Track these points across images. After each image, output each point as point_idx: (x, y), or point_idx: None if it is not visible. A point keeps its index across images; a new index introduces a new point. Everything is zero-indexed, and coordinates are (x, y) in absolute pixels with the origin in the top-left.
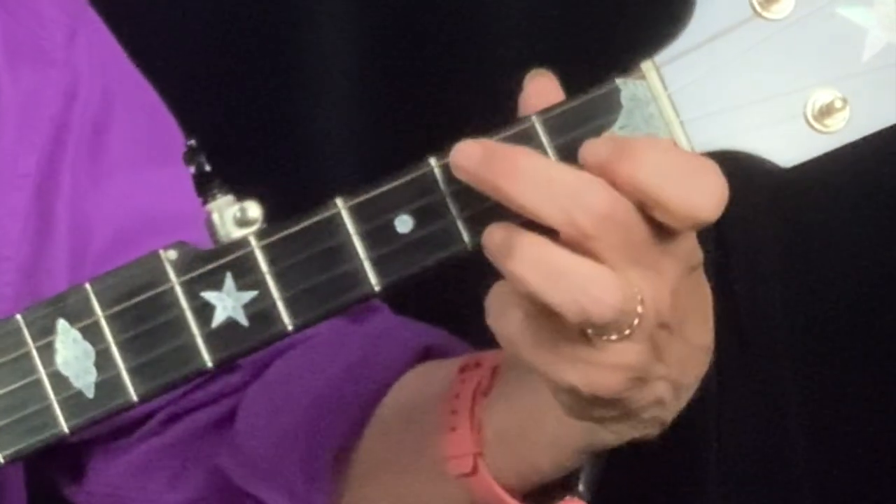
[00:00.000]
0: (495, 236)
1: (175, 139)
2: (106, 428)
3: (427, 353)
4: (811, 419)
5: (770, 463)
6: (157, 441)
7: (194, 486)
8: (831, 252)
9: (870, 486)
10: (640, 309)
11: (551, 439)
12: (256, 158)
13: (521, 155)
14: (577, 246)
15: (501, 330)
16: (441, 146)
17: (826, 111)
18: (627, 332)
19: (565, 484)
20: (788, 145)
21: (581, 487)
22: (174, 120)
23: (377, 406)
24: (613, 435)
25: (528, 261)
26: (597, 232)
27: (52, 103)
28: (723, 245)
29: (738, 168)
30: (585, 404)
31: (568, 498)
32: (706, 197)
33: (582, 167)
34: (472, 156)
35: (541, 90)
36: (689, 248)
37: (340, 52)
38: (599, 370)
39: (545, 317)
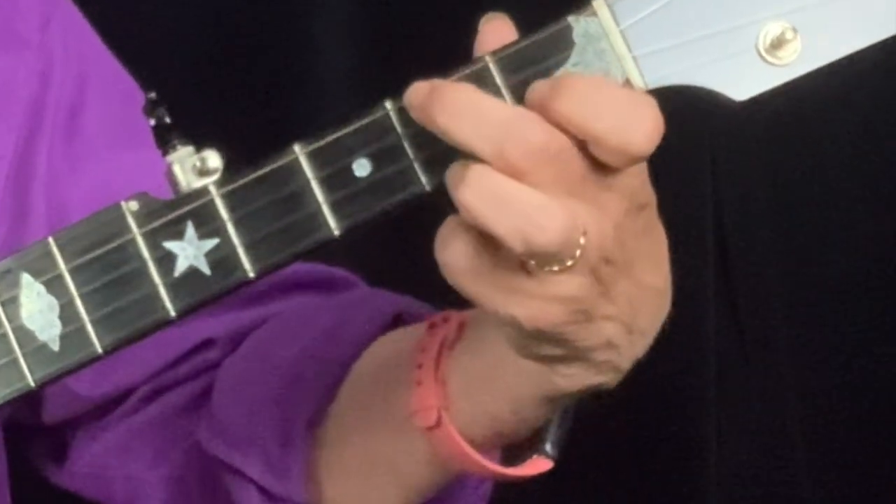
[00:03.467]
0: (452, 168)
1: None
2: (85, 408)
3: (399, 320)
4: (811, 420)
5: (770, 464)
6: (137, 419)
7: (175, 463)
8: (831, 252)
9: (870, 486)
10: (582, 240)
11: (510, 388)
12: (250, 162)
13: (456, 90)
14: (515, 179)
15: (445, 259)
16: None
17: (777, 43)
18: (570, 262)
19: (532, 443)
20: (741, 79)
21: (547, 447)
22: None
23: (351, 369)
24: (568, 379)
25: (475, 188)
26: (529, 165)
27: (26, 85)
28: (723, 245)
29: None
30: (530, 339)
31: (535, 457)
32: (638, 131)
33: None
34: (419, 94)
35: (495, 31)
36: (635, 186)
37: (338, 56)
38: (540, 302)
39: (489, 249)
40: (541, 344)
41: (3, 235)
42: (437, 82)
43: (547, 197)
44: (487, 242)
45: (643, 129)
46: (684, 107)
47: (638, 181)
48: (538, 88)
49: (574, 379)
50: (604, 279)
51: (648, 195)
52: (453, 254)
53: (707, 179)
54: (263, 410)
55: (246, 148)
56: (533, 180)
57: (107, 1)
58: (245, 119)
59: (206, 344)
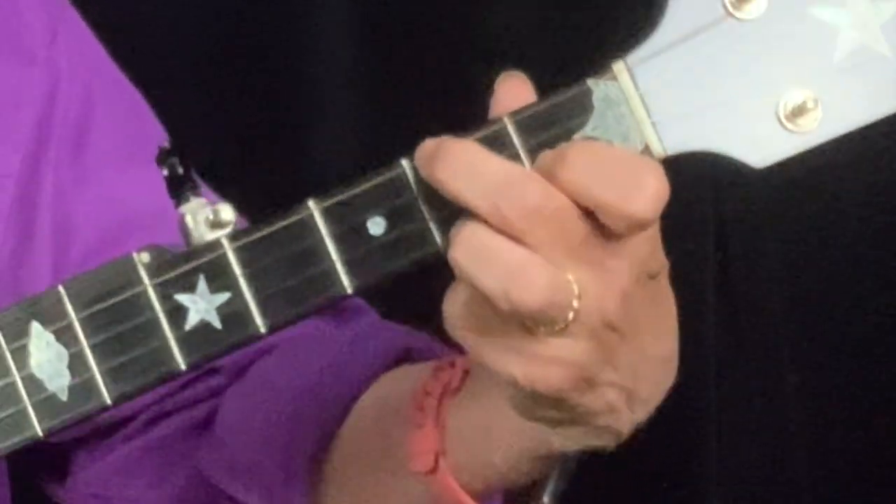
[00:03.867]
0: (455, 225)
1: (156, 137)
2: (89, 429)
3: (407, 356)
4: (811, 419)
5: (770, 464)
6: (140, 442)
7: (175, 487)
8: (831, 252)
9: (870, 486)
10: (575, 304)
11: (508, 441)
12: (250, 162)
13: (459, 146)
14: (512, 238)
15: (446, 311)
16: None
17: (798, 111)
18: (562, 325)
19: (531, 493)
20: (761, 146)
21: (545, 499)
22: (155, 118)
23: (355, 405)
24: (566, 441)
25: (464, 244)
26: (525, 224)
27: (33, 102)
28: (723, 245)
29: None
30: (529, 401)
31: None
32: (641, 198)
33: None
34: (426, 150)
35: (513, 91)
36: (644, 253)
37: (338, 56)
38: (539, 363)
39: (488, 303)
40: (539, 406)
41: (8, 254)
42: (444, 139)
43: (533, 256)
44: (484, 295)
45: (645, 195)
46: (695, 169)
47: (647, 248)
48: (544, 156)
49: (572, 441)
50: (607, 345)
51: (659, 263)
52: (453, 306)
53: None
54: (267, 443)
55: (246, 149)
56: (529, 240)
57: (107, 1)
58: (245, 120)
59: (212, 370)
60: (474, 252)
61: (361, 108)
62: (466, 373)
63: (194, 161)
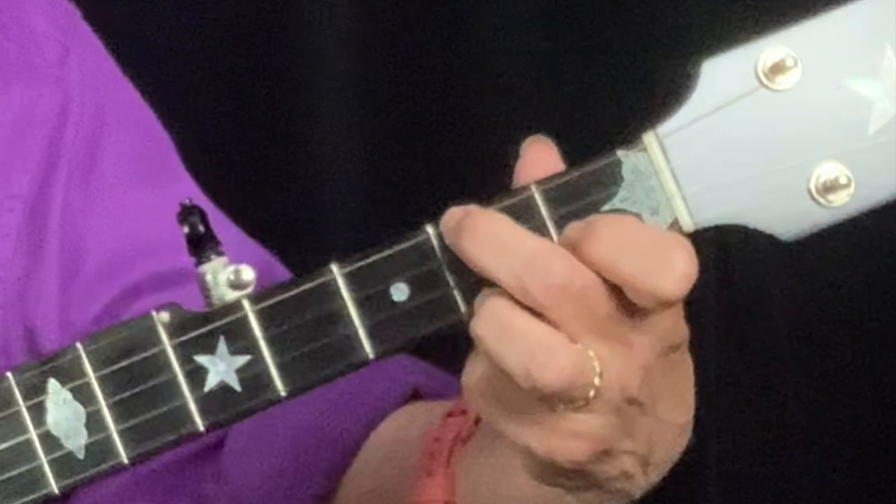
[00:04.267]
0: (478, 297)
1: (169, 156)
2: None
3: (416, 392)
4: (811, 419)
5: (770, 463)
6: (145, 467)
7: None
8: (831, 252)
9: (870, 486)
10: (597, 381)
11: (520, 499)
12: (254, 171)
13: (486, 217)
14: (537, 313)
15: (464, 381)
16: (438, 212)
17: (830, 187)
18: (582, 403)
19: None
20: (791, 219)
21: None
22: (168, 136)
23: (363, 444)
24: (577, 501)
25: (486, 320)
26: (550, 301)
27: (45, 122)
28: (723, 245)
29: None
30: (547, 470)
31: None
32: (668, 275)
33: None
34: (452, 218)
35: (538, 157)
36: (668, 327)
37: (338, 59)
38: (558, 437)
39: (509, 378)
40: (556, 474)
41: (18, 274)
42: (471, 208)
43: (555, 334)
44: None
45: (674, 274)
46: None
47: (671, 322)
48: (572, 228)
49: (585, 502)
50: (627, 418)
51: (682, 335)
52: (472, 377)
53: None
54: (275, 480)
55: (245, 150)
56: (553, 316)
57: (107, 2)
58: (244, 121)
59: None
60: (497, 328)
61: (361, 111)
62: (478, 421)
63: (193, 162)
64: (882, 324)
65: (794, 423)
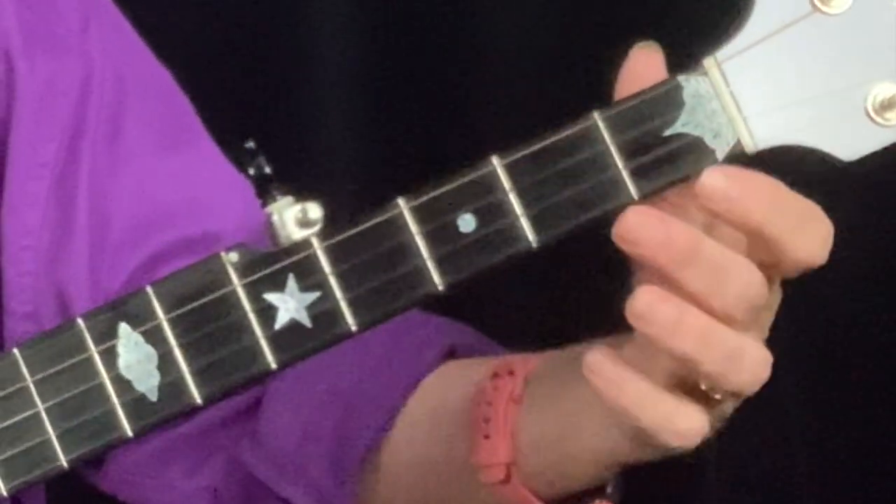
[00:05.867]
0: (656, 309)
1: (191, 122)
2: None
3: (452, 351)
4: (811, 420)
5: (770, 464)
6: (179, 429)
7: (212, 475)
8: (831, 253)
9: (870, 487)
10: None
11: (592, 451)
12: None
13: (678, 228)
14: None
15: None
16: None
17: (888, 105)
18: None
19: (596, 488)
20: (849, 140)
21: (609, 490)
22: (188, 101)
23: (404, 405)
24: (641, 454)
25: (691, 332)
26: (742, 315)
27: (69, 91)
28: None
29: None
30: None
31: (598, 501)
32: (817, 240)
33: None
34: (642, 227)
35: (646, 63)
36: (778, 298)
37: (339, 57)
38: (687, 421)
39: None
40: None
41: (47, 243)
42: (668, 220)
43: (746, 339)
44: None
45: (821, 237)
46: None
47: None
48: (714, 176)
49: (647, 454)
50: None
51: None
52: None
53: None
54: (314, 442)
55: (244, 151)
56: (741, 323)
57: None
58: (244, 122)
59: None
60: (699, 337)
61: (362, 110)
62: (526, 379)
63: None
64: (882, 323)
65: (794, 424)
